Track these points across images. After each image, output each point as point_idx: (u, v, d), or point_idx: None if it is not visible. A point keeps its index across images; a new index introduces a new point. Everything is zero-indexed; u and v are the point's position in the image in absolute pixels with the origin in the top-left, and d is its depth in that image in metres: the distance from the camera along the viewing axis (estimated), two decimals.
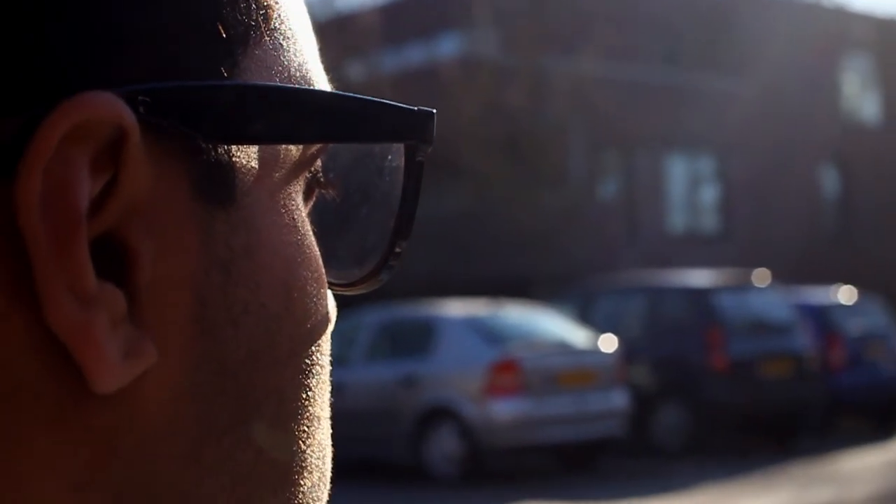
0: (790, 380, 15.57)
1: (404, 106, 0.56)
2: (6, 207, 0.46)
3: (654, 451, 15.02)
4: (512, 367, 13.17)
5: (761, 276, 16.89)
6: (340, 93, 0.54)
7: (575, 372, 13.58)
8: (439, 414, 13.44)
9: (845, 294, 18.81)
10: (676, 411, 15.22)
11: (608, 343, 14.04)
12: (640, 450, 15.00)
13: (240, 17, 0.51)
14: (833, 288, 19.53)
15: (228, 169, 0.51)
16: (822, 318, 17.63)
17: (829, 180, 32.77)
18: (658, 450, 15.05)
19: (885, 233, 31.45)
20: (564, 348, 13.83)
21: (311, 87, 0.55)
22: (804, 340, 16.08)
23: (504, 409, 13.05)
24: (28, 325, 0.47)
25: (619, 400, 13.84)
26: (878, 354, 17.91)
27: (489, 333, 13.54)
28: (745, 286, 16.61)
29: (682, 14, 30.66)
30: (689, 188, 30.05)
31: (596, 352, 13.88)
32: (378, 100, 0.55)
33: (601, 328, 14.80)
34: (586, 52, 26.06)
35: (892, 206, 31.81)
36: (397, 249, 0.59)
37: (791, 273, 23.63)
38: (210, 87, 0.50)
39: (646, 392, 15.03)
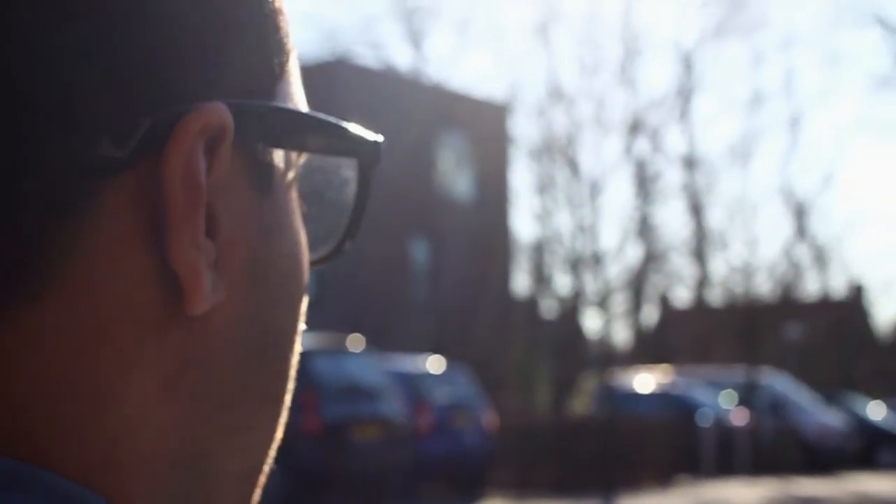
0: (380, 444, 15.82)
1: (366, 133, 0.74)
2: (147, 177, 0.63)
3: None
4: None
5: (355, 342, 17.13)
6: (330, 118, 0.72)
7: None
8: None
9: (434, 363, 19.34)
10: (270, 472, 15.20)
11: None
12: None
13: (278, 60, 0.70)
14: (423, 357, 20.03)
15: (270, 166, 0.69)
16: (412, 385, 18.06)
17: (420, 252, 33.62)
18: None
19: (472, 305, 32.44)
20: None
21: (315, 113, 0.72)
22: (395, 406, 16.39)
23: None
24: (148, 261, 0.63)
25: None
26: (462, 423, 18.46)
27: None
28: (339, 350, 16.79)
29: None
30: None
31: None
32: (350, 125, 0.73)
33: None
34: None
35: (480, 279, 32.88)
36: (348, 241, 0.76)
37: (381, 340, 24.06)
38: (269, 107, 0.68)
39: None
